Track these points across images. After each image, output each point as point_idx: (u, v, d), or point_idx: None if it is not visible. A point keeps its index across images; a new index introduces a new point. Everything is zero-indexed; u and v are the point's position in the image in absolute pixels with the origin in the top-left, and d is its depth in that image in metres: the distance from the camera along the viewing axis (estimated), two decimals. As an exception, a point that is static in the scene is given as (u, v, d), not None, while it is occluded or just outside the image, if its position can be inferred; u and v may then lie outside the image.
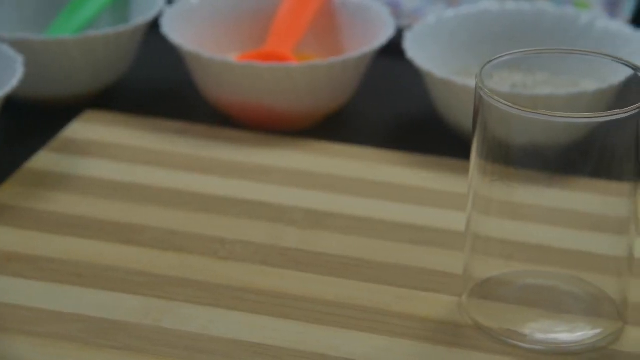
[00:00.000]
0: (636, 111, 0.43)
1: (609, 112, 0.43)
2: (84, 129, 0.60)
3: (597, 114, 0.44)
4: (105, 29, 0.63)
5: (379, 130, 0.61)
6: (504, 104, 0.43)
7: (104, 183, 0.56)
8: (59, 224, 0.52)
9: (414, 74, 0.60)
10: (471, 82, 0.45)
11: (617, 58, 0.46)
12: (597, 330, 0.46)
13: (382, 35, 0.61)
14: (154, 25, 0.63)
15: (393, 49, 0.62)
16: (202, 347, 0.45)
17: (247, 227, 0.52)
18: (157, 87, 0.65)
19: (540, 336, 0.46)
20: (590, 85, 0.52)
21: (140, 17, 0.63)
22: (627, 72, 0.45)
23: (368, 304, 0.47)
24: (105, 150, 0.58)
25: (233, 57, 0.62)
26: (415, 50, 0.59)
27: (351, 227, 0.52)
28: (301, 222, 0.53)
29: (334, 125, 0.61)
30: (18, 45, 0.59)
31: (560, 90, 0.56)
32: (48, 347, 0.45)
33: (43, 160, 0.57)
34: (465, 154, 0.46)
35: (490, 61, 0.46)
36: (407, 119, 0.63)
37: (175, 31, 0.61)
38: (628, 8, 0.70)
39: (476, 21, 0.63)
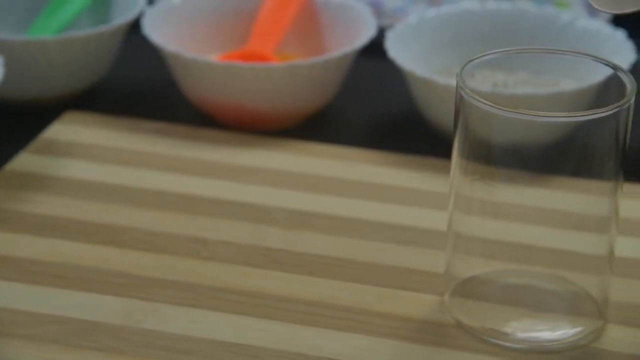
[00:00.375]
0: (616, 110, 0.43)
1: (589, 112, 0.44)
2: (65, 130, 0.60)
3: (577, 113, 0.44)
4: (85, 29, 0.63)
5: (361, 130, 0.62)
6: (485, 104, 0.44)
7: (85, 184, 0.55)
8: (40, 226, 0.52)
9: (396, 74, 0.61)
10: (452, 82, 0.45)
11: (597, 57, 0.46)
12: (578, 329, 0.46)
13: (364, 35, 0.61)
14: (135, 26, 0.63)
15: (375, 49, 0.62)
16: (184, 348, 0.45)
17: (229, 227, 0.52)
18: (139, 87, 0.65)
19: (521, 335, 0.46)
20: (570, 84, 0.53)
21: (121, 18, 0.63)
22: (607, 72, 0.46)
23: (350, 303, 0.48)
24: (87, 151, 0.58)
25: (214, 58, 0.62)
26: (397, 50, 0.60)
27: (333, 227, 0.52)
28: (283, 222, 0.53)
29: (316, 125, 0.61)
30: (-2, 46, 0.59)
31: (540, 89, 0.57)
32: (29, 349, 0.45)
33: (24, 161, 0.57)
34: (447, 153, 0.46)
35: (471, 61, 0.46)
36: (389, 119, 0.63)
37: (157, 31, 0.61)
38: (608, 7, 0.70)
39: (457, 21, 0.63)
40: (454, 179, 0.46)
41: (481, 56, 0.46)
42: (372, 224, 0.52)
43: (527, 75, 0.59)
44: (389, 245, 0.51)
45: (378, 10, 0.69)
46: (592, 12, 0.70)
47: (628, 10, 0.39)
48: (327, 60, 0.59)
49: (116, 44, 0.63)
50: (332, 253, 0.51)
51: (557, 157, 0.44)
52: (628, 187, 0.49)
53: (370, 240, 0.51)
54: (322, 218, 0.53)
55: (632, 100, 0.44)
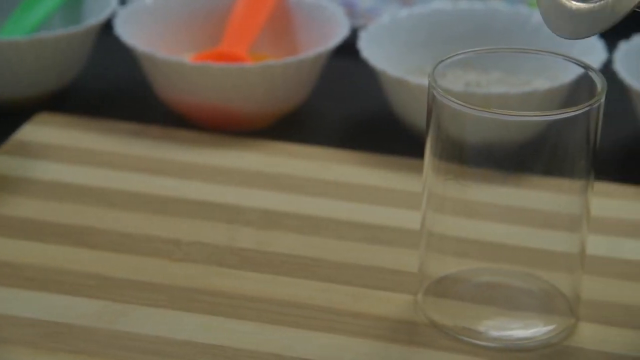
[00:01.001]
0: (587, 109, 0.44)
1: (561, 111, 0.44)
2: (37, 131, 0.59)
3: (549, 113, 0.44)
4: (57, 30, 0.62)
5: (335, 130, 0.62)
6: (457, 103, 0.44)
7: (57, 186, 0.55)
8: (11, 228, 0.52)
9: (369, 74, 0.61)
10: (425, 81, 0.45)
11: (568, 57, 0.46)
12: (551, 327, 0.46)
13: (337, 35, 0.61)
14: (107, 26, 0.63)
15: (348, 49, 0.62)
16: (157, 350, 0.45)
17: (203, 228, 0.52)
18: (111, 88, 0.65)
19: (495, 333, 0.46)
20: (542, 83, 0.53)
21: (93, 18, 0.63)
22: (578, 71, 0.46)
23: (324, 303, 0.48)
24: (59, 153, 0.58)
25: (187, 58, 0.62)
26: (369, 50, 0.60)
27: (307, 227, 0.52)
28: (257, 222, 0.53)
29: (289, 126, 0.61)
30: (-32, 46, 0.58)
31: (513, 89, 0.57)
32: (1, 353, 0.45)
33: (-5, 163, 0.57)
34: (420, 153, 0.46)
35: (443, 60, 0.46)
36: (363, 119, 0.63)
37: (129, 32, 0.60)
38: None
39: (430, 21, 0.63)
40: (426, 179, 0.46)
41: (453, 56, 0.46)
42: (345, 224, 0.52)
43: (499, 74, 0.59)
44: (362, 245, 0.51)
45: (351, 11, 0.69)
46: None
47: (583, 36, 0.40)
48: (300, 61, 0.59)
49: (88, 44, 0.62)
50: (305, 253, 0.51)
51: (529, 156, 0.44)
52: (599, 186, 0.49)
53: (343, 240, 0.51)
54: (296, 218, 0.53)
55: (603, 99, 0.44)
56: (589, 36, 0.41)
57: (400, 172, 0.56)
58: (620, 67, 0.58)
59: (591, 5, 0.40)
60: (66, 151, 0.58)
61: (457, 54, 0.47)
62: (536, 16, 0.63)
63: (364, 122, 0.62)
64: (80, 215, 0.53)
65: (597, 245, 0.50)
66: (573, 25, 0.41)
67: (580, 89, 0.46)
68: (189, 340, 0.46)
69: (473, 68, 0.57)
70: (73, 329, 0.46)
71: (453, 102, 0.44)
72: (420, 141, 0.46)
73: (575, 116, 0.44)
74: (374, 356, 0.45)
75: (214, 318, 0.47)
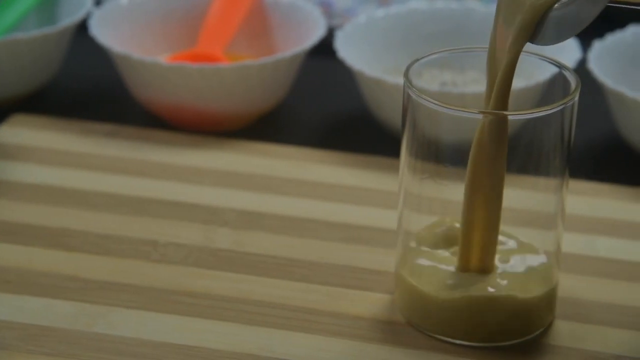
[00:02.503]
0: (561, 108, 0.44)
1: (535, 109, 0.44)
2: (12, 133, 0.59)
3: (523, 111, 0.45)
4: (32, 31, 0.62)
5: (312, 130, 0.62)
6: (432, 102, 0.44)
7: (33, 187, 0.55)
8: (-13, 230, 0.51)
9: (346, 74, 0.61)
10: (402, 81, 0.45)
11: (543, 56, 0.47)
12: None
13: (314, 35, 0.61)
14: (83, 27, 0.62)
15: (325, 49, 0.62)
16: (135, 352, 0.45)
17: (180, 229, 0.52)
18: (87, 89, 0.65)
19: (471, 331, 0.46)
20: (517, 82, 0.53)
21: (68, 19, 0.62)
22: (553, 70, 0.46)
23: (301, 303, 0.48)
24: (35, 154, 0.57)
25: (163, 58, 0.62)
26: (346, 50, 0.60)
27: (284, 227, 0.52)
28: (234, 222, 0.53)
29: (266, 126, 0.61)
30: (-58, 48, 0.58)
31: (488, 88, 0.57)
32: (-24, 356, 0.44)
33: (-30, 165, 0.56)
34: (397, 152, 0.46)
35: (418, 60, 0.46)
36: (340, 119, 0.63)
37: (104, 33, 0.60)
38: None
39: (407, 20, 0.64)
40: (403, 178, 0.46)
41: (428, 55, 0.46)
42: (322, 224, 0.53)
43: (476, 74, 0.59)
44: (339, 245, 0.51)
45: (328, 11, 0.69)
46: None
47: (549, 43, 0.41)
48: (277, 61, 0.59)
49: (63, 45, 0.62)
50: (282, 253, 0.51)
51: (504, 154, 0.44)
52: (573, 184, 0.50)
53: (320, 240, 0.52)
54: (273, 218, 0.53)
55: (577, 98, 0.45)
56: (554, 43, 0.41)
57: (377, 171, 0.57)
58: (595, 66, 0.58)
59: (556, 12, 0.41)
60: (42, 152, 0.57)
61: (432, 54, 0.47)
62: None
63: (340, 122, 0.63)
64: (56, 217, 0.52)
65: (573, 243, 0.51)
66: (539, 33, 0.41)
67: (554, 87, 0.46)
68: (167, 342, 0.45)
69: (449, 68, 0.57)
70: (51, 331, 0.46)
71: (428, 101, 0.44)
72: (397, 140, 0.47)
73: (550, 115, 0.44)
74: (352, 355, 0.45)
75: (191, 319, 0.47)
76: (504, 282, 0.45)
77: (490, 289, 0.44)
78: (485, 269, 0.45)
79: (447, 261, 0.46)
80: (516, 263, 0.46)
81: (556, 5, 0.41)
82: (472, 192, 0.44)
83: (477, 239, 0.44)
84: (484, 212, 0.44)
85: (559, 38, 0.42)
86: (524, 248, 0.46)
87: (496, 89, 0.43)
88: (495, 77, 0.43)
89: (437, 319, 0.45)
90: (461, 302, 0.44)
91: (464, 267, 0.45)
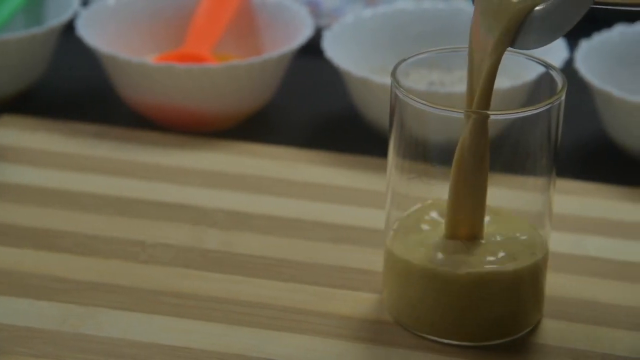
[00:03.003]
0: (548, 107, 0.44)
1: (522, 109, 0.44)
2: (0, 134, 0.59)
3: (510, 111, 0.45)
4: (19, 31, 0.62)
5: (300, 130, 0.62)
6: (419, 102, 0.44)
7: (21, 188, 0.55)
8: (-26, 231, 0.51)
9: (334, 74, 0.61)
10: (389, 81, 0.45)
11: (529, 56, 0.47)
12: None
13: (301, 35, 0.61)
14: (70, 27, 0.62)
15: (312, 49, 0.62)
16: (123, 353, 0.45)
17: (168, 229, 0.52)
18: (74, 90, 0.65)
19: (459, 331, 0.46)
20: (504, 82, 0.53)
21: (55, 20, 0.62)
22: (540, 70, 0.46)
23: (290, 303, 0.48)
24: (23, 155, 0.57)
25: (151, 59, 0.62)
26: (334, 50, 0.60)
27: (272, 227, 0.52)
28: (222, 223, 0.53)
29: (254, 126, 0.61)
30: None
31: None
32: (-36, 357, 0.44)
33: (-43, 166, 0.56)
34: (385, 152, 0.47)
35: (405, 60, 0.46)
36: (328, 118, 0.63)
37: (91, 33, 0.60)
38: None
39: (394, 20, 0.64)
40: (390, 178, 0.46)
41: (415, 55, 0.47)
42: (310, 224, 0.53)
43: (463, 73, 0.59)
44: (327, 245, 0.51)
45: (315, 10, 0.69)
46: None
47: (531, 47, 0.42)
48: (264, 61, 0.59)
49: (50, 46, 0.62)
50: (271, 253, 0.51)
51: (491, 154, 0.45)
52: (561, 183, 0.50)
53: (309, 240, 0.52)
54: (261, 218, 0.53)
55: (563, 97, 0.45)
56: (535, 48, 0.42)
57: (365, 171, 0.57)
58: (582, 66, 0.58)
59: (536, 17, 0.41)
60: (30, 153, 0.57)
61: (419, 54, 0.47)
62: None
63: (328, 121, 0.63)
64: (44, 218, 0.52)
65: (561, 242, 0.51)
66: (520, 37, 0.42)
67: (541, 87, 0.46)
68: (155, 343, 0.45)
69: (437, 67, 0.58)
70: (38, 332, 0.46)
71: (415, 101, 0.44)
72: (385, 140, 0.47)
73: (537, 114, 0.44)
74: (340, 355, 0.45)
75: (179, 320, 0.47)
76: (492, 250, 0.45)
77: (478, 257, 0.44)
78: (474, 237, 0.45)
79: (434, 230, 0.45)
80: (503, 233, 0.45)
81: (536, 9, 0.41)
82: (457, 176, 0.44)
83: (465, 209, 0.44)
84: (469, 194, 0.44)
85: (540, 42, 0.42)
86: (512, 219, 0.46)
87: (478, 94, 0.43)
88: (473, 79, 0.43)
89: (425, 303, 0.45)
90: (449, 273, 0.44)
91: (451, 234, 0.45)
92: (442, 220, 0.46)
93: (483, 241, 0.45)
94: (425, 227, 0.46)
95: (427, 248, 0.45)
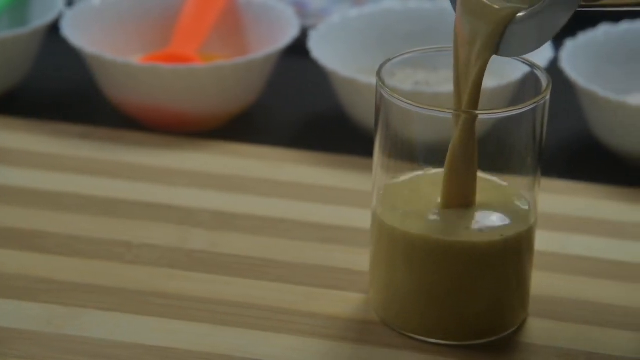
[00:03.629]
0: (532, 107, 0.44)
1: (507, 108, 0.44)
2: (-17, 134, 0.59)
3: (495, 110, 0.45)
4: (3, 31, 0.62)
5: (286, 130, 0.62)
6: (404, 102, 0.44)
7: (5, 189, 0.54)
8: (-42, 232, 0.51)
9: (320, 74, 0.61)
10: (375, 81, 0.45)
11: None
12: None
13: (287, 35, 0.61)
14: (54, 28, 0.62)
15: (298, 49, 0.62)
16: (108, 353, 0.45)
17: (154, 230, 0.52)
18: (59, 90, 0.64)
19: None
20: (490, 82, 0.53)
21: (39, 20, 0.62)
22: (525, 69, 0.46)
23: (276, 304, 0.48)
24: (7, 156, 0.57)
25: (136, 59, 0.62)
26: (320, 50, 0.60)
27: (258, 228, 0.52)
28: (208, 223, 0.53)
29: (240, 126, 0.61)
30: None
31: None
32: (-52, 359, 0.44)
33: (-59, 167, 0.56)
34: (372, 152, 0.47)
35: (390, 60, 0.46)
36: (314, 118, 0.63)
37: (76, 33, 0.60)
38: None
39: (380, 20, 0.64)
40: (376, 177, 0.46)
41: (401, 55, 0.47)
42: (297, 224, 0.52)
43: (449, 73, 0.59)
44: (313, 245, 0.51)
45: (301, 10, 0.69)
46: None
47: (513, 55, 0.42)
48: (250, 61, 0.59)
49: (35, 46, 0.62)
50: (257, 254, 0.51)
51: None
52: (546, 183, 0.50)
53: (295, 240, 0.51)
54: (247, 219, 0.53)
55: (548, 97, 0.45)
56: (519, 55, 0.42)
57: (352, 171, 0.57)
58: (567, 65, 0.58)
59: (518, 25, 0.41)
60: (14, 154, 0.57)
61: (405, 53, 0.47)
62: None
63: (315, 121, 0.63)
64: (29, 219, 0.52)
65: (547, 241, 0.51)
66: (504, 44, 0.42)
67: (526, 87, 0.46)
68: (140, 343, 0.45)
69: (422, 67, 0.58)
70: (23, 334, 0.45)
71: (400, 101, 0.44)
72: (372, 140, 0.47)
73: (522, 114, 0.44)
74: (327, 355, 0.45)
75: (165, 320, 0.47)
76: (481, 218, 0.44)
77: (468, 227, 0.44)
78: (466, 205, 0.44)
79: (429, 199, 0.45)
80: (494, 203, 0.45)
81: (518, 17, 0.41)
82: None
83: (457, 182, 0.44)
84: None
85: (523, 50, 0.42)
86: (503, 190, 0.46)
87: (466, 100, 0.43)
88: (460, 79, 0.43)
89: (413, 284, 0.44)
90: (438, 241, 0.44)
91: (446, 204, 0.44)
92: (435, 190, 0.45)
93: (474, 210, 0.44)
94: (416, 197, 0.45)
95: (419, 218, 0.44)
